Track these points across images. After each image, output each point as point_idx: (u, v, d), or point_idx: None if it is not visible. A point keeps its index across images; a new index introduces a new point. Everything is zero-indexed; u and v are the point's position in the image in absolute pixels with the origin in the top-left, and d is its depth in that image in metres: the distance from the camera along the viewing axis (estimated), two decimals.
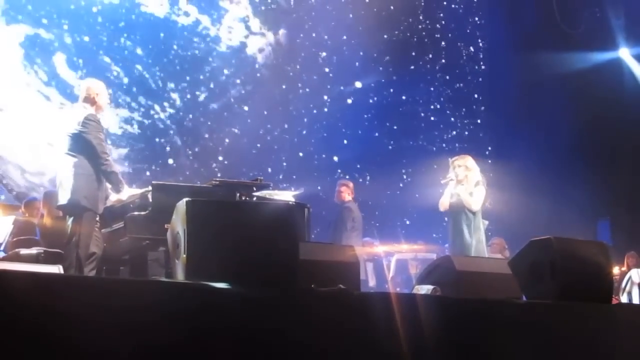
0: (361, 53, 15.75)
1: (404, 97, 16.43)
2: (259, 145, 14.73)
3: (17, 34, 12.98)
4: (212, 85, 14.60)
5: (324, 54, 15.59)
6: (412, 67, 16.57)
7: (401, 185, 15.82)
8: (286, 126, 15.07)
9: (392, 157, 15.94)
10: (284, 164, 14.89)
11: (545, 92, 15.27)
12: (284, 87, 15.17)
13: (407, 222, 15.41)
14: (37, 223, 9.01)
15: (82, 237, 6.89)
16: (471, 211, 8.74)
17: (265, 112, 14.83)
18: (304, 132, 15.25)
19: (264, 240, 4.23)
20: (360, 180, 15.09)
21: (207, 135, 14.44)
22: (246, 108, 14.76)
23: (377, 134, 16.06)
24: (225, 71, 14.76)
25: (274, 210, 4.58)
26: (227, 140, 14.49)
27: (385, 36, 15.97)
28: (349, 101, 15.76)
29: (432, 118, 16.67)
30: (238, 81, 14.83)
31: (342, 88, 15.62)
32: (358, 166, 15.52)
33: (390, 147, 16.10)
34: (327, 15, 15.49)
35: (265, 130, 14.84)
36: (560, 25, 15.06)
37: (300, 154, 15.08)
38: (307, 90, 15.32)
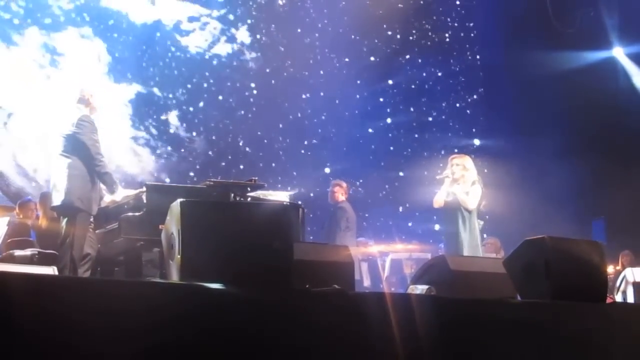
0: (347, 58, 15.80)
1: (400, 97, 16.47)
2: (263, 154, 14.78)
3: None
4: (220, 97, 14.66)
5: (325, 55, 15.60)
6: (408, 67, 16.59)
7: (396, 184, 15.86)
8: (299, 136, 15.16)
9: (391, 156, 16.00)
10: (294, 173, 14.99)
11: (539, 91, 15.26)
12: (293, 91, 15.16)
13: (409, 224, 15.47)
14: (31, 224, 8.99)
15: (76, 238, 6.88)
16: (467, 210, 8.74)
17: (275, 122, 14.89)
18: (306, 137, 15.28)
19: (258, 241, 4.23)
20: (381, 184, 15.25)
21: (209, 152, 14.44)
22: (250, 115, 14.80)
23: (372, 131, 16.12)
24: (247, 83, 14.88)
25: (268, 211, 4.57)
26: (232, 150, 14.57)
27: (384, 37, 16.01)
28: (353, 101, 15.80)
29: (429, 118, 16.70)
30: (249, 92, 14.90)
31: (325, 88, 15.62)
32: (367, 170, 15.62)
33: (389, 146, 16.15)
34: (333, 17, 15.52)
35: (270, 138, 14.89)
36: (554, 24, 15.06)
37: (305, 160, 15.14)
38: (310, 94, 15.30)
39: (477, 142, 16.58)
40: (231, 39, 14.63)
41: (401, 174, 15.82)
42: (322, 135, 15.41)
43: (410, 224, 15.34)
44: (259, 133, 14.75)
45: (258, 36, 15.00)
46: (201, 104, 14.31)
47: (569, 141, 14.78)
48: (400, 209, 15.69)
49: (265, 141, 14.88)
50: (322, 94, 15.36)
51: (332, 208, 10.84)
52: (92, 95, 7.36)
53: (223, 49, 14.52)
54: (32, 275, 3.78)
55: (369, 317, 4.04)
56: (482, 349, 4.37)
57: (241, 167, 14.43)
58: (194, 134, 14.14)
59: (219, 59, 14.50)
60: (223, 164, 14.27)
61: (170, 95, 14.01)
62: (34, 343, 3.12)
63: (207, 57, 14.38)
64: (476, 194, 8.82)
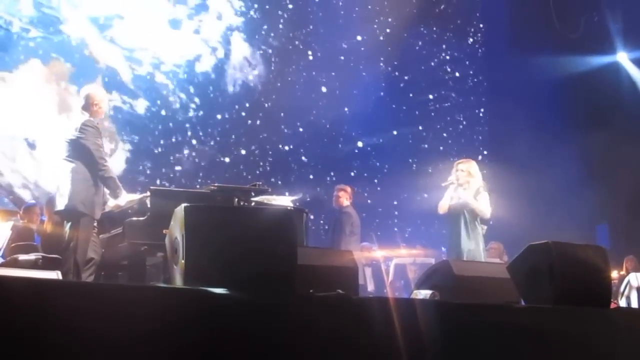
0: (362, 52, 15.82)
1: (402, 100, 16.48)
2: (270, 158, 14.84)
3: None
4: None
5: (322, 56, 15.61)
6: (410, 68, 16.58)
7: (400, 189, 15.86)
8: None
9: (391, 159, 16.02)
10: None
11: (543, 96, 15.26)
12: (298, 93, 15.17)
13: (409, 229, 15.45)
14: (36, 229, 9.00)
15: (80, 243, 6.88)
16: (484, 218, 8.77)
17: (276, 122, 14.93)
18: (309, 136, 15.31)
19: (262, 246, 4.22)
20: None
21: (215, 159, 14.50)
22: (258, 123, 14.82)
23: (374, 134, 16.13)
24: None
25: (272, 216, 4.56)
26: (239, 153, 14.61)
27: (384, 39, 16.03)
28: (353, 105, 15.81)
29: (430, 121, 16.69)
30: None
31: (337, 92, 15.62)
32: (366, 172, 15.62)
33: (391, 148, 16.17)
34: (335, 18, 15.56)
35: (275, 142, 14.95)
36: (559, 29, 15.06)
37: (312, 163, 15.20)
38: (313, 94, 15.32)
39: (481, 148, 16.55)
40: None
41: (405, 180, 15.80)
42: (329, 137, 15.45)
43: (412, 229, 15.32)
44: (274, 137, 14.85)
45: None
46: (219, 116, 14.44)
47: (573, 145, 14.77)
48: (404, 213, 15.68)
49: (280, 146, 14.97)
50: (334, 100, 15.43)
51: (336, 213, 10.83)
52: (97, 101, 7.36)
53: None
54: (36, 280, 3.79)
55: (373, 322, 4.03)
56: (485, 354, 4.37)
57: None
58: (212, 142, 14.27)
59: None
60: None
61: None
62: (37, 347, 3.12)
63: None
64: (486, 201, 8.82)
